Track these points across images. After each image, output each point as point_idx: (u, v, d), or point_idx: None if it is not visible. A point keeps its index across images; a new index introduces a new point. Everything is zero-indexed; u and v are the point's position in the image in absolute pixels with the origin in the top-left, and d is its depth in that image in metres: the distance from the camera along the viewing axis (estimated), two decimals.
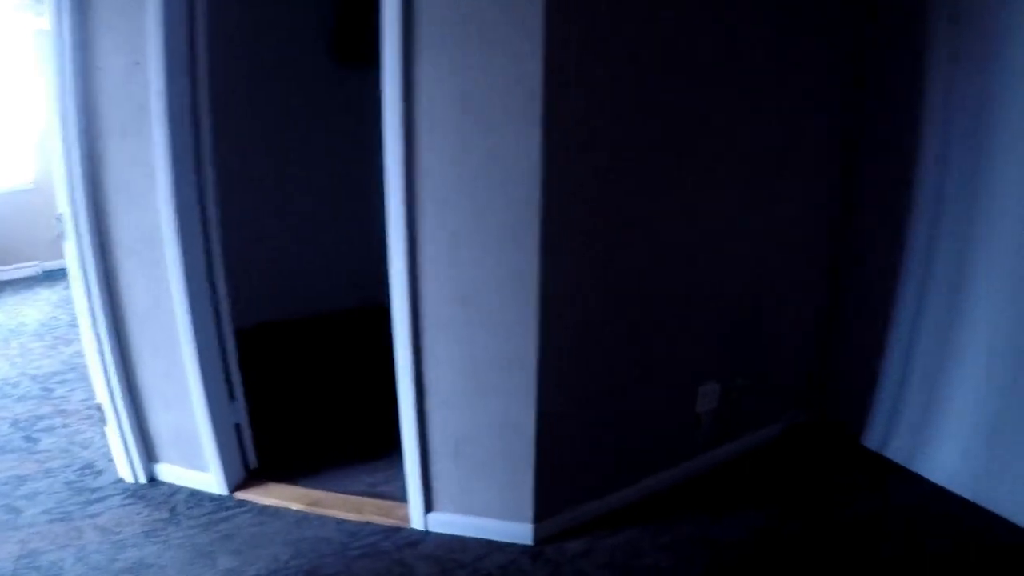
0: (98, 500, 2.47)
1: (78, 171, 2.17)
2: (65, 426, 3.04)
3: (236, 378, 2.44)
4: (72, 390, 3.42)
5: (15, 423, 3.09)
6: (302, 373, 3.51)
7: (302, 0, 3.78)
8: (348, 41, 3.78)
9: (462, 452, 2.14)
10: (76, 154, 2.15)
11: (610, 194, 2.05)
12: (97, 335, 2.33)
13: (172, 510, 2.44)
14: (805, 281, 2.80)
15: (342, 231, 4.06)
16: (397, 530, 2.30)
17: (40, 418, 3.13)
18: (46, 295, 5.06)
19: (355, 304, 4.07)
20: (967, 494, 2.53)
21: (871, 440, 2.87)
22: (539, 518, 2.20)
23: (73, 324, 3.91)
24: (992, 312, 2.43)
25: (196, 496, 2.51)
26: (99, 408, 2.48)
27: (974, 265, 2.46)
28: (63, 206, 2.23)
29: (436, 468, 2.19)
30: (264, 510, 2.43)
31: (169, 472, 2.57)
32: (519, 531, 2.21)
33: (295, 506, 2.41)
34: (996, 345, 2.43)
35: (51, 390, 3.44)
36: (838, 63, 2.61)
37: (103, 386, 2.40)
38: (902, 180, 2.62)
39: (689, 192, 2.25)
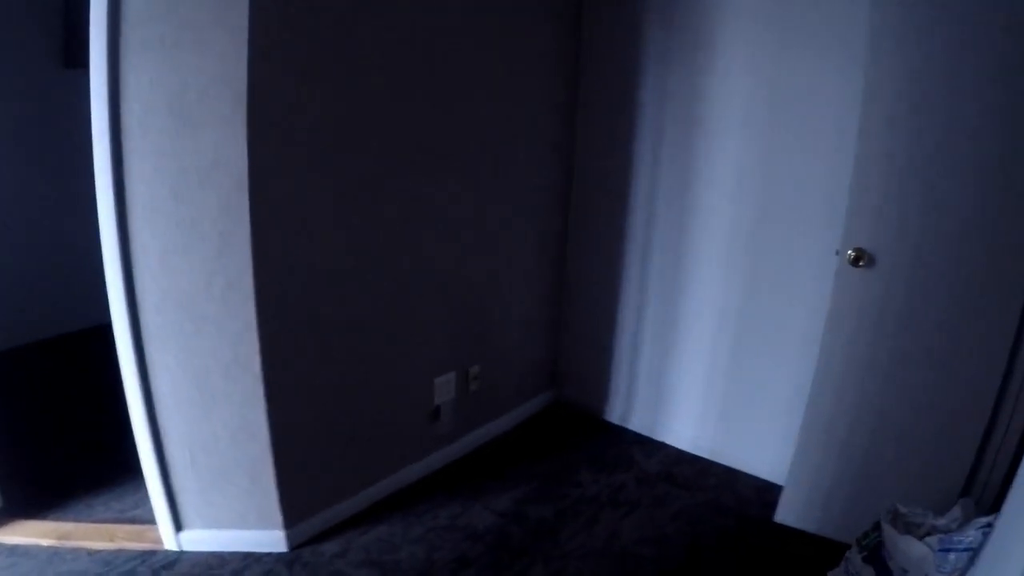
0: None
1: None
2: None
3: None
4: None
5: None
6: (41, 401, 3.33)
7: (27, 4, 3.58)
8: (76, 44, 3.59)
9: (199, 464, 2.10)
10: None
11: (324, 194, 2.08)
12: None
13: None
14: (534, 271, 2.97)
15: (74, 245, 3.55)
16: (152, 553, 2.22)
17: None
18: None
19: (95, 322, 3.75)
20: (705, 454, 2.75)
21: (613, 415, 3.08)
22: (290, 524, 2.19)
23: None
24: (710, 296, 2.68)
25: None
26: None
27: (689, 256, 2.72)
28: None
29: (177, 483, 2.13)
30: (14, 550, 2.28)
31: None
32: (272, 539, 2.19)
33: (45, 541, 2.28)
34: (717, 328, 2.68)
35: None
36: (558, 61, 2.80)
37: None
38: (620, 173, 2.84)
39: (408, 188, 2.32)
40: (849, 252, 2.09)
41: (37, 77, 3.67)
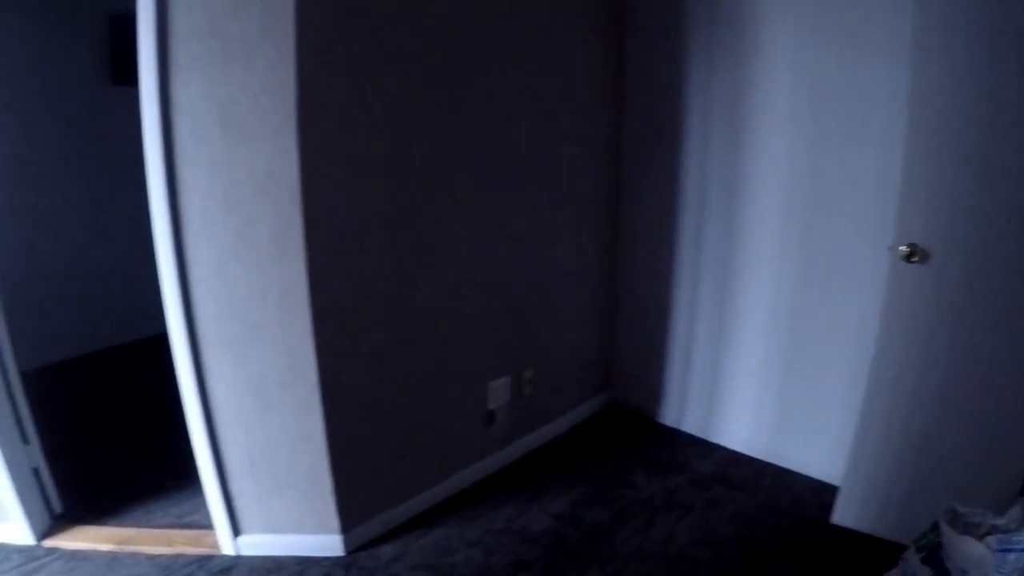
0: None
1: None
2: None
3: (28, 420, 2.34)
4: None
5: None
6: (99, 410, 3.40)
7: (73, 23, 3.66)
8: (123, 62, 3.67)
9: (258, 470, 2.12)
10: None
11: (375, 201, 2.09)
12: None
13: None
14: (585, 273, 2.96)
15: (128, 256, 3.71)
16: (209, 558, 2.25)
17: None
18: None
19: (150, 332, 3.84)
20: (760, 455, 2.72)
21: (667, 417, 3.06)
22: (347, 528, 2.21)
23: None
24: (762, 295, 2.66)
25: (3, 549, 2.37)
26: None
27: (740, 257, 2.70)
28: None
29: (235, 489, 2.16)
30: (74, 555, 2.33)
31: None
32: (329, 543, 2.21)
33: (105, 547, 2.32)
34: (770, 328, 2.65)
35: None
36: (604, 66, 2.79)
37: None
38: (668, 173, 2.82)
39: (458, 194, 2.33)
40: (902, 248, 2.06)
41: (86, 95, 3.76)
